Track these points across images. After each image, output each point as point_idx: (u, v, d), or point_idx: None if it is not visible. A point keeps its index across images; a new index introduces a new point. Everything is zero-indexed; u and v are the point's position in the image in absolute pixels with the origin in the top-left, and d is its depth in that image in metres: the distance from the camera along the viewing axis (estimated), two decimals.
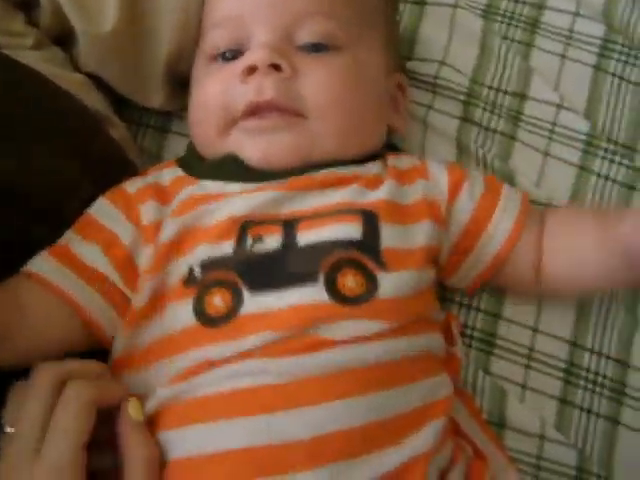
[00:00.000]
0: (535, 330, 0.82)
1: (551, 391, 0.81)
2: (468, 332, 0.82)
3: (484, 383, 0.80)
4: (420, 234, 0.70)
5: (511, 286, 0.80)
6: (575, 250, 0.74)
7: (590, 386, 0.80)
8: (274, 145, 0.69)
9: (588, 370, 0.81)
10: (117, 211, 0.70)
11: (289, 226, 0.66)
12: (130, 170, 0.80)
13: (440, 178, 0.74)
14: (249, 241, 0.65)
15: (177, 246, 0.67)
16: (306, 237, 0.65)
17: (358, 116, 0.73)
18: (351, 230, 0.66)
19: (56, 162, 0.70)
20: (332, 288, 0.63)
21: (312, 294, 0.62)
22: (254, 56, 0.70)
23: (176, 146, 0.89)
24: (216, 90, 0.72)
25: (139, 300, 0.66)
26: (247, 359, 0.60)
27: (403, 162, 0.76)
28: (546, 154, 0.87)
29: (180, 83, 0.84)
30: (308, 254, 0.64)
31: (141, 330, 0.66)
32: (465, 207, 0.74)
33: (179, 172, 0.74)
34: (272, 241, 0.65)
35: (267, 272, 0.64)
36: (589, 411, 0.80)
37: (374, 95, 0.75)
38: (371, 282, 0.64)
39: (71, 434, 0.57)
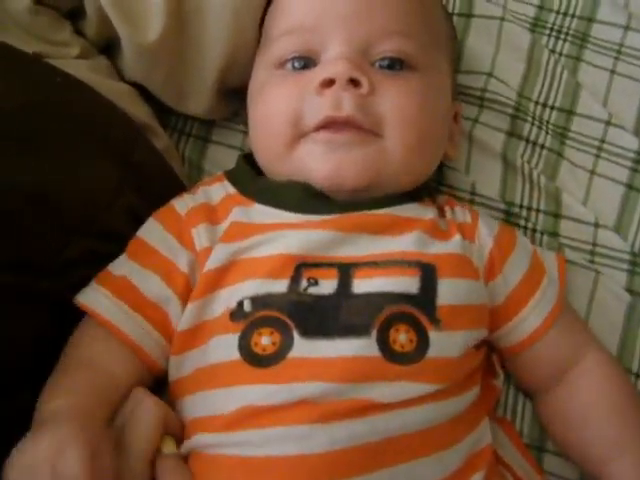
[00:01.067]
0: None
1: None
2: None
3: (524, 406, 0.79)
4: (476, 291, 0.68)
5: (525, 381, 0.77)
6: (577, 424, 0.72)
7: None
8: (345, 162, 0.67)
9: None
10: (170, 236, 0.69)
11: (345, 272, 0.64)
12: (173, 181, 0.80)
13: (484, 245, 0.71)
14: (304, 283, 0.63)
15: (225, 274, 0.65)
16: (362, 285, 0.63)
17: (428, 139, 0.71)
18: (408, 283, 0.64)
19: (93, 173, 0.70)
20: (384, 343, 0.61)
21: (363, 348, 0.61)
22: (334, 68, 0.67)
23: (217, 156, 0.89)
24: (285, 100, 0.69)
25: (181, 324, 0.65)
26: (294, 423, 0.58)
27: (457, 214, 0.74)
28: (593, 172, 0.86)
29: (225, 92, 0.83)
30: (363, 305, 0.63)
31: (186, 357, 0.65)
32: (500, 290, 0.71)
33: (230, 189, 0.72)
34: (327, 286, 0.63)
35: (320, 318, 0.62)
36: None
37: (442, 120, 0.74)
38: (423, 340, 0.62)
39: (138, 444, 0.59)
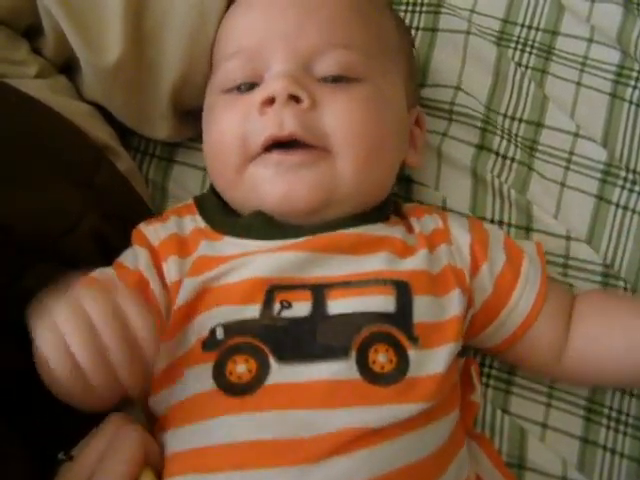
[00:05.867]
0: None
1: (573, 430, 0.78)
2: (485, 370, 0.80)
3: (503, 423, 0.77)
4: (451, 305, 0.67)
5: (526, 363, 0.76)
6: (606, 337, 0.71)
7: (613, 425, 0.78)
8: (295, 185, 0.66)
9: (611, 408, 0.78)
10: (151, 264, 0.67)
11: (318, 293, 0.62)
12: (136, 203, 0.78)
13: (462, 244, 0.71)
14: (277, 307, 0.62)
15: (195, 306, 0.64)
16: (337, 306, 0.62)
17: (379, 149, 0.70)
18: (384, 302, 0.63)
19: (52, 197, 0.68)
20: (363, 364, 0.60)
21: (343, 370, 0.59)
22: (272, 86, 0.66)
23: (181, 176, 0.87)
24: (233, 123, 0.68)
25: (157, 365, 0.63)
26: (282, 465, 0.56)
27: (426, 224, 0.73)
28: (563, 184, 0.85)
29: (186, 114, 0.82)
30: (339, 325, 0.61)
31: (163, 395, 0.63)
32: (487, 281, 0.71)
33: (201, 223, 0.71)
34: (301, 308, 0.62)
35: (296, 341, 0.61)
36: (613, 451, 0.77)
37: (395, 129, 0.73)
38: (402, 359, 0.61)
39: (118, 471, 0.57)
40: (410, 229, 0.72)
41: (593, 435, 0.78)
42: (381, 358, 0.60)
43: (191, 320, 0.63)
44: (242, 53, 0.71)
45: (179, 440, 0.61)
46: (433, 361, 0.63)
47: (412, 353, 0.61)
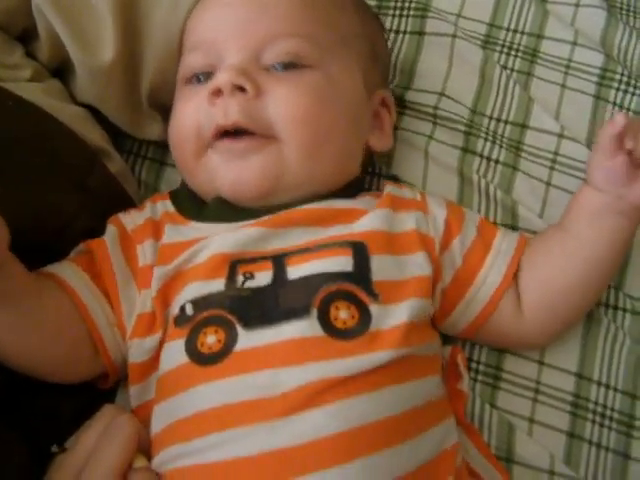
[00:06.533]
0: (541, 363, 0.80)
1: (559, 425, 0.79)
2: (473, 366, 0.81)
3: (491, 417, 0.78)
4: (413, 265, 0.69)
5: (498, 337, 0.78)
6: (545, 255, 0.75)
7: (598, 419, 0.79)
8: (244, 171, 0.69)
9: (596, 403, 0.79)
10: (122, 255, 0.70)
11: (278, 261, 0.65)
12: (128, 204, 0.79)
13: (438, 216, 0.73)
14: (240, 279, 0.64)
15: (169, 292, 0.67)
16: (297, 271, 0.64)
17: (328, 134, 0.71)
18: (342, 262, 0.65)
19: (51, 199, 0.70)
20: (325, 321, 0.62)
21: (306, 328, 0.61)
22: (219, 78, 0.69)
23: (173, 178, 0.89)
24: (188, 113, 0.72)
25: (141, 353, 0.66)
26: (255, 421, 0.58)
27: (403, 192, 0.76)
28: (548, 184, 0.87)
29: None
30: (300, 288, 0.64)
31: (150, 380, 0.66)
32: (457, 254, 0.73)
33: (170, 208, 0.74)
34: (263, 277, 0.64)
35: (260, 308, 0.63)
36: (598, 445, 0.78)
37: (348, 114, 0.74)
38: (364, 314, 0.63)
39: (112, 459, 0.59)
40: (379, 196, 0.74)
41: (579, 430, 0.79)
42: (342, 314, 0.62)
43: (167, 307, 0.66)
44: (201, 46, 0.74)
45: (160, 417, 0.63)
46: (396, 314, 0.64)
47: (373, 308, 0.63)
